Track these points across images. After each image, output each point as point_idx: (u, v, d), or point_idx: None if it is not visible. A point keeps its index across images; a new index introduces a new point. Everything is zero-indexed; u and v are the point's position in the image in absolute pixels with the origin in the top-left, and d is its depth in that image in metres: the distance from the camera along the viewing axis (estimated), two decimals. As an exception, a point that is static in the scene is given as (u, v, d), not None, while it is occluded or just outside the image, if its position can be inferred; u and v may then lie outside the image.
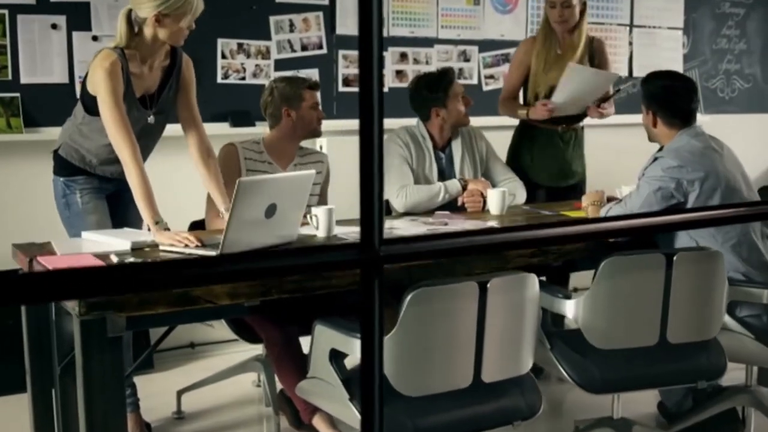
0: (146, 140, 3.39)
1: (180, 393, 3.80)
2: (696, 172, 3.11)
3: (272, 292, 2.60)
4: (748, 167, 6.59)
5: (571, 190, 4.30)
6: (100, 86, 3.14)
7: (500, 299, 2.48)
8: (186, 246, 2.96)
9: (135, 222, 3.40)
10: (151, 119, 3.35)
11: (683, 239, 3.14)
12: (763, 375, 3.63)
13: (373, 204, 1.14)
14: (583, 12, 4.23)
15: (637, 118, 3.60)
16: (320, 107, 3.80)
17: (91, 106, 3.24)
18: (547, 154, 4.28)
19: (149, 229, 3.08)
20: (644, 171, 3.24)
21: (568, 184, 4.32)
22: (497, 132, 5.08)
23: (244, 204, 2.84)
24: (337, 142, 4.81)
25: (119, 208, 3.36)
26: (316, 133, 3.82)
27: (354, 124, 5.22)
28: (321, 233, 3.21)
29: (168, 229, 3.07)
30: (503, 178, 4.11)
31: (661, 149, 3.29)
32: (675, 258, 2.82)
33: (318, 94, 3.79)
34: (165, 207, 3.18)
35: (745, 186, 3.26)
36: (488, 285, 2.45)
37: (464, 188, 3.92)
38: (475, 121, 5.34)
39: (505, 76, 4.42)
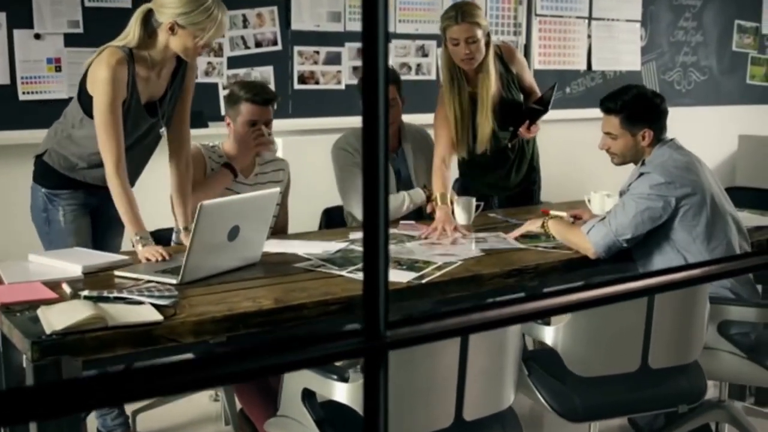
0: (145, 149, 3.23)
1: (135, 413, 3.62)
2: (684, 188, 3.00)
3: (239, 327, 2.43)
4: (705, 160, 6.59)
5: (523, 194, 4.20)
6: (99, 85, 2.94)
7: (483, 336, 2.35)
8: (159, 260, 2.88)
9: (114, 239, 3.27)
10: (162, 131, 3.20)
11: (670, 255, 3.04)
12: (734, 389, 3.57)
13: (377, 283, 0.99)
14: (488, 44, 3.75)
15: (592, 112, 3.40)
16: (266, 126, 3.41)
17: (90, 107, 3.02)
18: (498, 174, 4.13)
19: (133, 245, 2.96)
20: (629, 186, 3.11)
21: (520, 189, 4.19)
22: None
23: (206, 228, 2.67)
24: (292, 143, 4.65)
25: (101, 224, 3.17)
26: (252, 151, 3.46)
27: (310, 123, 5.05)
28: None
29: (155, 243, 2.96)
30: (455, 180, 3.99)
31: (642, 163, 3.16)
32: (658, 281, 2.71)
33: (266, 110, 3.40)
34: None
35: (726, 201, 3.18)
36: (471, 320, 2.32)
37: (428, 197, 3.78)
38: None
39: (435, 137, 3.89)
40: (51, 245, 3.18)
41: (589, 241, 3.02)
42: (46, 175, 3.21)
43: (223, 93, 4.56)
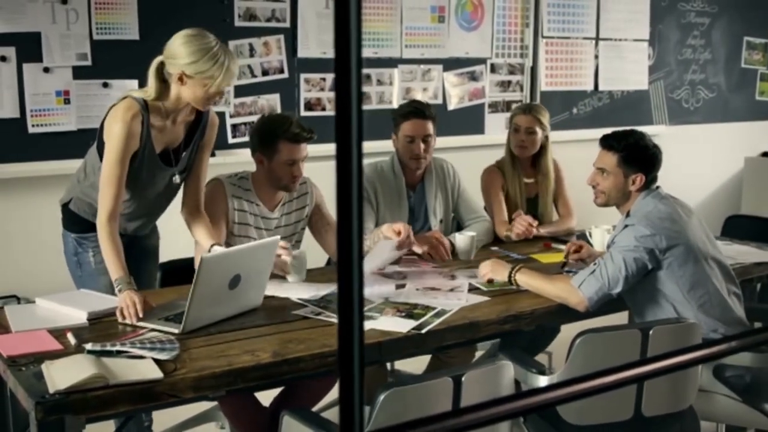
0: (161, 198, 3.27)
1: (141, 444, 3.68)
2: (667, 240, 3.03)
3: (238, 381, 2.49)
4: (713, 177, 6.53)
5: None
6: (112, 139, 3.00)
7: (475, 392, 2.40)
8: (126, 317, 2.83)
9: (144, 278, 3.33)
10: (175, 178, 3.23)
11: (661, 306, 3.07)
12: (730, 427, 3.60)
13: (353, 393, 1.03)
14: (544, 146, 4.21)
15: (599, 133, 3.40)
16: (301, 164, 3.32)
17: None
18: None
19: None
20: (614, 239, 3.14)
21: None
22: (460, 153, 5.00)
23: (208, 279, 2.73)
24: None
25: (130, 264, 3.16)
26: (287, 190, 3.43)
27: (316, 149, 5.09)
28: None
29: (135, 288, 2.95)
30: (471, 216, 4.01)
31: (627, 215, 3.19)
32: (651, 332, 2.76)
33: (303, 148, 3.32)
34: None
35: (712, 247, 3.20)
36: (463, 379, 2.37)
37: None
38: (439, 142, 5.22)
39: (490, 207, 4.21)
40: (84, 287, 3.24)
41: (581, 295, 3.04)
42: (73, 221, 3.28)
43: (230, 122, 4.63)
